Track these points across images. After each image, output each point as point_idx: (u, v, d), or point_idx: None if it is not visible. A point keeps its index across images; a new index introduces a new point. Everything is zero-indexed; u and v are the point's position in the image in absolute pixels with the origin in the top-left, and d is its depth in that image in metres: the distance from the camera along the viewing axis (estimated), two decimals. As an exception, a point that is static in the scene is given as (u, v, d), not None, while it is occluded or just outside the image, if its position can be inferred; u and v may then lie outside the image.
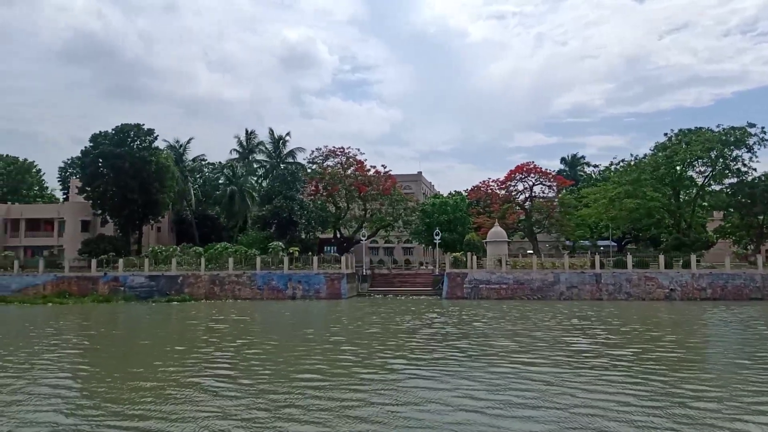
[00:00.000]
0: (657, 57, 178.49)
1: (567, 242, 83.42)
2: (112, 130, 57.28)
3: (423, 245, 69.82)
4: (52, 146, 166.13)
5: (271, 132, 69.08)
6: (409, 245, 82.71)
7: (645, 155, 57.23)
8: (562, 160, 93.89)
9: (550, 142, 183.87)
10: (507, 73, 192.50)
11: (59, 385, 15.64)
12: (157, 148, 59.20)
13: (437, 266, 53.58)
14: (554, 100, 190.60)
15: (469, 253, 49.41)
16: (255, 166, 73.16)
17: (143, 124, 57.80)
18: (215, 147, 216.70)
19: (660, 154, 55.28)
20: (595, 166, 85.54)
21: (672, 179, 54.91)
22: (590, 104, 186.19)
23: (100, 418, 12.35)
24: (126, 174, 55.12)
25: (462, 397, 13.75)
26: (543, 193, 62.08)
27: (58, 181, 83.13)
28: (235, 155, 77.65)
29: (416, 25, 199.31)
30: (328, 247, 65.52)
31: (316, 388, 14.79)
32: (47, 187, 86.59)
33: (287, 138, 68.31)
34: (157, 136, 58.89)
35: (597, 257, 46.54)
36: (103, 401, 13.85)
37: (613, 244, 76.17)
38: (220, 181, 75.08)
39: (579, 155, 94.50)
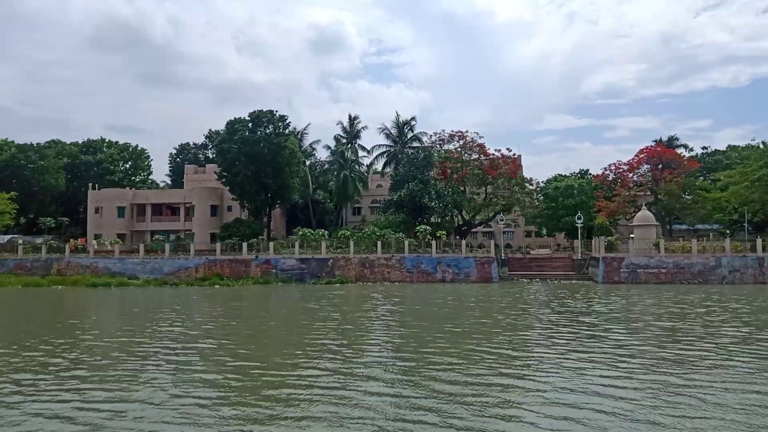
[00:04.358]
0: (692, 35, 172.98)
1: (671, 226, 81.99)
2: (247, 116, 58.47)
3: (545, 229, 69.44)
4: (84, 133, 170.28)
5: (397, 116, 69.55)
6: (509, 229, 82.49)
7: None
8: (657, 141, 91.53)
9: (580, 124, 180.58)
10: (537, 53, 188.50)
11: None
12: (288, 134, 60.25)
13: (577, 251, 53.43)
14: (585, 81, 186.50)
15: (611, 238, 49.11)
16: (364, 152, 73.85)
17: (276, 111, 58.90)
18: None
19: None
20: (704, 148, 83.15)
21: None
22: (622, 85, 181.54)
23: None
24: (263, 159, 56.28)
25: None
26: (670, 176, 60.80)
27: (170, 167, 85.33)
28: (336, 140, 78.48)
29: (443, 6, 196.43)
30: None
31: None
32: (151, 172, 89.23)
33: (413, 122, 68.57)
34: (290, 122, 59.97)
35: (759, 240, 45.67)
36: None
37: (719, 226, 74.60)
38: (329, 166, 76.08)
39: (674, 136, 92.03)
